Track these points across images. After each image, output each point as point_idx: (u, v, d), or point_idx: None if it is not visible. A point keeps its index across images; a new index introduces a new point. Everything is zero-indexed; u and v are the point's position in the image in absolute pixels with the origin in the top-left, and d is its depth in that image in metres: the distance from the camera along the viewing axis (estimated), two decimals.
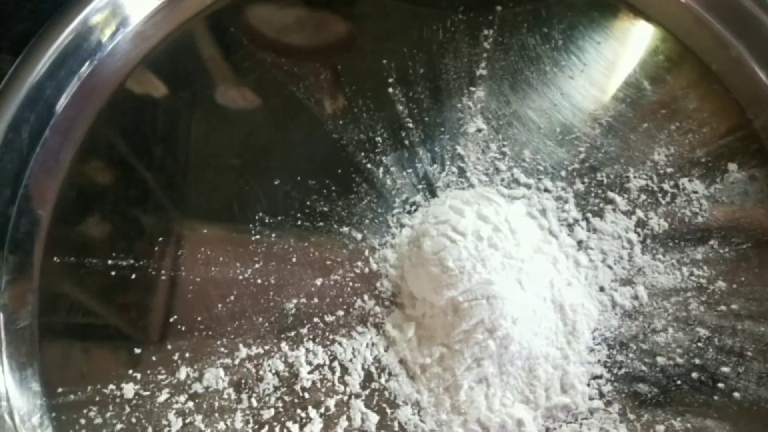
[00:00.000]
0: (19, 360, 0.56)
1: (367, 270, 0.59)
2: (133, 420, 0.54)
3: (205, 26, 0.67)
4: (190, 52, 0.66)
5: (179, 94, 0.64)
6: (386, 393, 0.55)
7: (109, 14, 0.63)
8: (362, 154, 0.62)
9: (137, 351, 0.56)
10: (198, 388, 0.55)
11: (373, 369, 0.56)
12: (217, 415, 0.54)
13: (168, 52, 0.66)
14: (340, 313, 0.57)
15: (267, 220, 0.60)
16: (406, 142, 0.63)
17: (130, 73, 0.64)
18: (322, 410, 0.54)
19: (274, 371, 0.55)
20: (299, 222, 0.60)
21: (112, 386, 0.55)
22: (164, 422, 0.54)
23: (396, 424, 0.54)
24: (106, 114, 0.63)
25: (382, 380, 0.55)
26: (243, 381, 0.55)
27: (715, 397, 0.55)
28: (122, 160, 0.62)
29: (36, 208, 0.60)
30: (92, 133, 0.62)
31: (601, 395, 0.55)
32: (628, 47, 0.67)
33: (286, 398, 0.55)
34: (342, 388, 0.55)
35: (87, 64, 0.63)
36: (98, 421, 0.54)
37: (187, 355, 0.56)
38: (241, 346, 0.56)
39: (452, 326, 0.54)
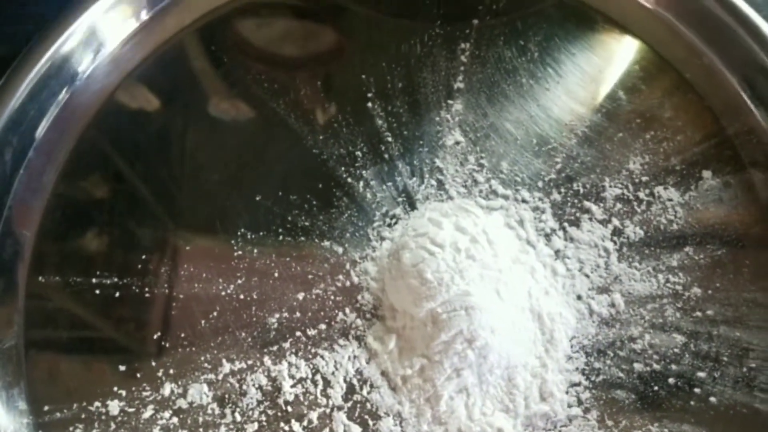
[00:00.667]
0: (6, 379, 0.56)
1: (348, 283, 0.60)
2: None
3: (190, 41, 0.68)
4: (168, 73, 0.67)
5: (158, 118, 0.65)
6: (368, 405, 0.56)
7: (84, 39, 0.64)
8: (342, 168, 0.63)
9: (122, 368, 0.57)
10: (182, 403, 0.55)
11: (355, 381, 0.56)
12: (201, 430, 0.55)
13: (146, 73, 0.67)
14: (322, 326, 0.58)
15: (249, 236, 0.61)
16: (386, 155, 0.64)
17: (111, 94, 0.65)
18: (305, 423, 0.55)
19: (257, 385, 0.56)
20: (281, 237, 0.61)
21: (97, 403, 0.56)
22: None
23: None
24: (88, 135, 0.64)
25: (364, 392, 0.56)
26: (226, 396, 0.56)
27: (692, 402, 0.56)
28: (104, 180, 0.63)
29: (20, 229, 0.60)
30: (75, 153, 0.63)
31: (580, 402, 0.56)
32: (603, 58, 0.68)
33: (270, 412, 0.55)
34: (324, 400, 0.56)
35: (67, 87, 0.64)
36: None
37: (171, 371, 0.56)
38: (224, 361, 0.57)
39: (431, 337, 0.54)
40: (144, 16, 0.67)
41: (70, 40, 0.63)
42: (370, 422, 0.55)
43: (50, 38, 0.62)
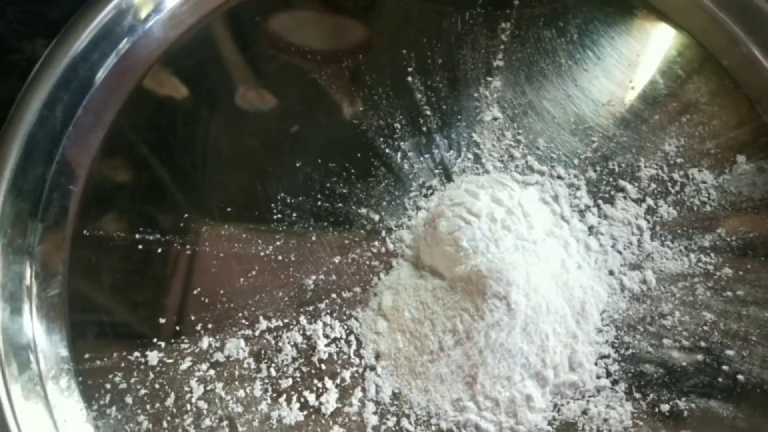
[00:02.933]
0: (49, 325, 0.58)
1: (383, 249, 0.61)
2: (157, 386, 0.56)
3: (225, 24, 0.69)
4: (218, 42, 0.68)
5: (206, 84, 0.66)
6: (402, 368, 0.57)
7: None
8: (381, 139, 0.64)
9: (162, 321, 0.58)
10: (219, 357, 0.57)
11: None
12: (237, 383, 0.56)
13: (198, 40, 0.68)
14: (357, 289, 0.59)
15: (288, 200, 0.62)
16: (424, 128, 0.65)
17: (161, 57, 0.66)
18: (338, 381, 0.56)
19: (292, 343, 0.57)
20: (319, 203, 0.62)
21: (137, 353, 0.57)
22: (186, 389, 0.56)
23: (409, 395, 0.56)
24: (136, 97, 0.66)
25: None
26: (262, 351, 0.57)
27: (720, 379, 0.56)
28: (150, 143, 0.64)
29: (67, 184, 0.62)
30: (123, 114, 0.65)
31: (608, 374, 0.57)
32: (641, 42, 0.68)
33: (304, 369, 0.57)
34: (357, 360, 0.57)
35: (120, 46, 0.65)
36: (123, 386, 0.57)
37: (209, 325, 0.58)
38: (261, 318, 0.58)
39: (465, 299, 0.55)
40: None
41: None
42: (404, 383, 0.56)
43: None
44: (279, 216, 0.62)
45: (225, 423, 0.56)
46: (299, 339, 0.58)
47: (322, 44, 0.68)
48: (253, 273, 0.60)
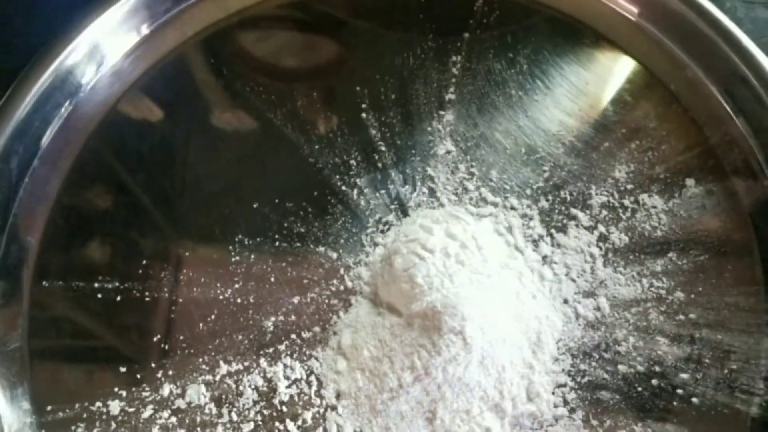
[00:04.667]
0: (10, 380, 0.58)
1: (342, 287, 0.62)
2: None
3: (190, 53, 0.70)
4: (168, 86, 0.69)
5: (159, 129, 0.67)
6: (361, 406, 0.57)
7: (88, 52, 0.66)
8: (337, 176, 0.65)
9: (123, 369, 0.58)
10: (181, 403, 0.57)
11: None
12: (199, 429, 0.57)
13: (148, 85, 0.69)
14: (317, 329, 0.60)
15: (246, 242, 0.63)
16: (379, 164, 0.66)
17: (114, 105, 0.67)
18: (300, 422, 0.57)
19: (253, 386, 0.58)
20: (277, 243, 0.63)
21: (99, 403, 0.57)
22: None
23: None
24: (91, 145, 0.66)
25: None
26: (224, 396, 0.58)
27: (675, 403, 0.57)
28: (107, 189, 0.65)
29: (25, 236, 0.62)
30: (78, 163, 0.65)
31: (566, 403, 0.58)
32: (590, 71, 0.70)
33: (265, 412, 0.57)
34: (318, 400, 0.58)
35: (71, 98, 0.66)
36: None
37: (170, 372, 0.58)
38: (221, 362, 0.59)
39: (420, 336, 0.56)
40: (145, 30, 0.70)
41: (73, 53, 0.65)
42: (365, 421, 0.57)
43: (54, 51, 0.64)
44: (237, 258, 0.62)
45: None
46: (260, 382, 0.58)
47: (274, 85, 0.69)
48: (213, 317, 0.60)
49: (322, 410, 0.57)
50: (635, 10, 0.70)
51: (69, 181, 0.65)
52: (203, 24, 0.71)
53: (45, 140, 0.65)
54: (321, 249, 0.63)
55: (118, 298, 0.61)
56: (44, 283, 0.61)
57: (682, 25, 0.69)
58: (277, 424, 0.57)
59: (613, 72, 0.70)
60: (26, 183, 0.63)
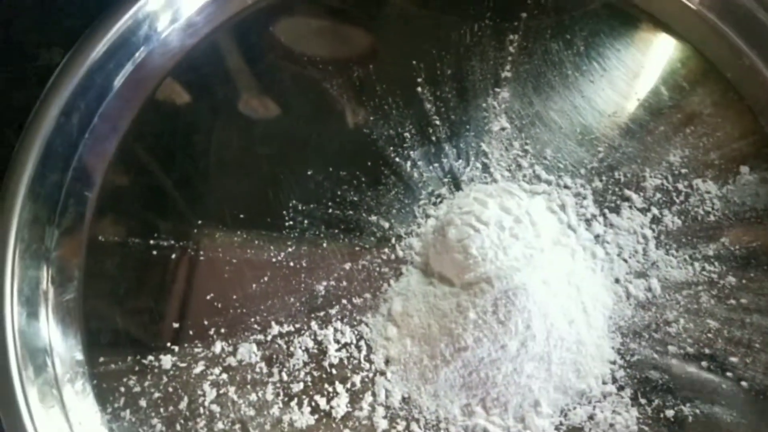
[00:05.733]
0: (65, 329, 0.59)
1: (393, 256, 0.62)
2: (170, 389, 0.57)
3: (238, 34, 0.70)
4: (234, 52, 0.69)
5: (222, 91, 0.67)
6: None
7: (162, 6, 0.67)
8: (391, 148, 0.65)
9: (175, 325, 0.59)
10: (232, 361, 0.58)
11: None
12: (249, 387, 0.57)
13: (213, 50, 0.69)
14: (367, 295, 0.60)
15: (300, 208, 0.63)
16: (433, 138, 0.66)
17: (176, 65, 0.67)
18: (349, 385, 0.57)
19: (303, 348, 0.58)
20: (330, 210, 0.63)
21: (150, 357, 0.58)
22: (199, 392, 0.57)
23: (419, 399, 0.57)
24: (151, 105, 0.67)
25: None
26: (274, 356, 0.58)
27: (724, 386, 0.57)
28: (165, 150, 0.66)
29: (84, 190, 0.63)
30: (138, 122, 0.66)
31: (614, 380, 0.58)
32: (646, 55, 0.70)
33: (315, 373, 0.58)
34: (367, 365, 0.58)
35: (136, 55, 0.66)
36: (137, 389, 0.58)
37: (222, 330, 0.59)
38: (273, 323, 0.59)
39: (479, 301, 0.56)
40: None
41: (143, 7, 0.66)
42: (414, 387, 0.57)
43: (123, 7, 0.65)
44: (291, 223, 0.63)
45: (237, 426, 0.57)
46: (310, 344, 0.59)
47: (333, 55, 0.69)
48: (265, 279, 0.61)
49: (371, 375, 0.58)
50: None
51: (128, 139, 0.65)
52: None
53: (107, 97, 0.65)
54: (373, 218, 0.63)
55: (173, 256, 0.61)
56: (100, 237, 0.62)
57: (741, 12, 0.69)
58: (326, 386, 0.57)
59: (669, 57, 0.70)
60: (86, 139, 0.64)
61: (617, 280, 0.61)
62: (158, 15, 0.67)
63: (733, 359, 0.58)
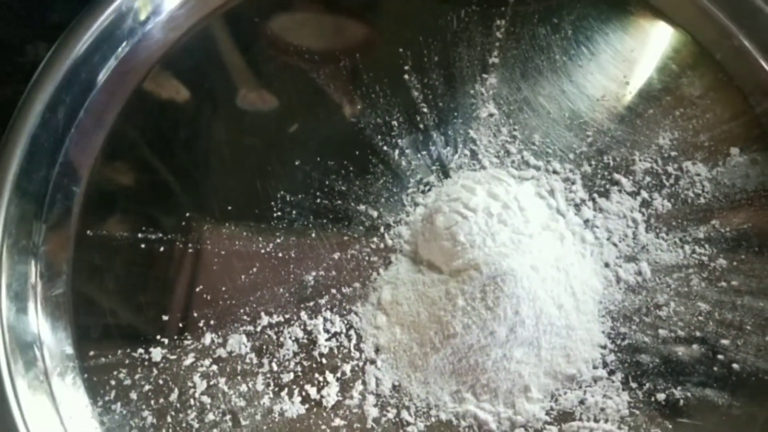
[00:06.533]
0: (54, 324, 0.59)
1: (382, 245, 0.62)
2: (160, 381, 0.57)
3: (224, 25, 0.70)
4: (218, 44, 0.69)
5: (207, 84, 0.67)
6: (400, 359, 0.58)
7: (143, 1, 0.66)
8: (379, 137, 0.65)
9: (165, 318, 0.59)
10: (222, 352, 0.58)
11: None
12: (239, 378, 0.57)
13: (198, 41, 0.68)
14: (357, 285, 0.60)
15: (288, 198, 0.63)
16: (421, 125, 0.66)
17: (161, 59, 0.67)
18: (339, 374, 0.57)
19: (293, 338, 0.58)
20: (318, 200, 0.63)
21: (140, 350, 0.58)
22: (189, 384, 0.57)
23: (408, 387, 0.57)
24: (136, 98, 0.66)
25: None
26: (264, 347, 0.58)
27: (715, 368, 0.57)
28: (151, 143, 0.65)
29: (70, 185, 0.63)
30: (123, 115, 0.66)
31: (605, 365, 0.58)
32: (635, 38, 0.69)
33: (305, 363, 0.58)
34: (357, 354, 0.58)
35: (119, 49, 0.66)
36: (127, 382, 0.58)
37: (211, 322, 0.59)
38: (262, 314, 0.59)
39: (467, 287, 0.56)
40: None
41: (125, 2, 0.65)
42: (404, 375, 0.57)
43: (105, 2, 0.64)
44: (279, 214, 0.62)
45: (228, 417, 0.56)
46: (300, 334, 0.59)
47: (319, 44, 0.69)
48: (254, 270, 0.61)
49: (361, 363, 0.58)
50: None
51: (114, 133, 0.65)
52: None
53: (92, 91, 0.65)
54: (362, 207, 0.63)
55: (162, 249, 0.61)
56: (88, 232, 0.62)
57: None
58: (316, 375, 0.57)
59: (658, 40, 0.69)
60: (72, 133, 0.64)
61: (607, 265, 0.61)
62: (141, 8, 0.66)
63: (725, 342, 0.58)
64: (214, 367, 0.58)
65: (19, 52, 0.67)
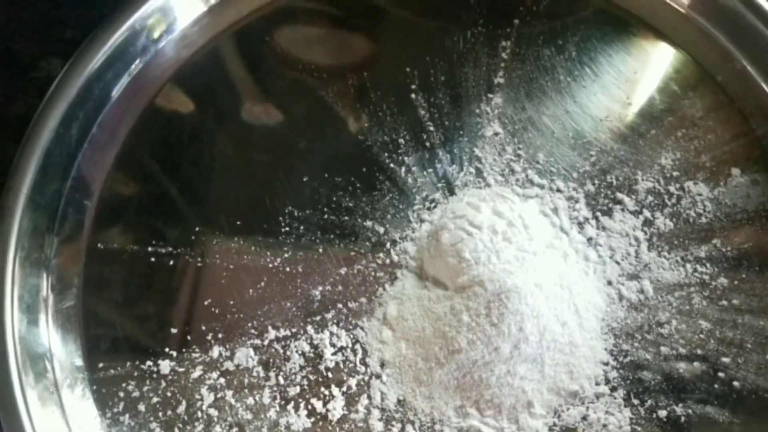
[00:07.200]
0: (64, 336, 0.60)
1: (388, 261, 0.63)
2: (168, 394, 0.58)
3: (234, 43, 0.71)
4: (229, 61, 0.70)
5: (218, 100, 0.68)
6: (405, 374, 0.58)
7: (157, 19, 0.68)
8: (386, 154, 0.66)
9: (173, 331, 0.60)
10: (229, 365, 0.59)
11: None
12: (246, 391, 0.58)
13: (209, 59, 0.70)
14: (363, 300, 0.61)
15: (296, 214, 0.64)
16: (427, 143, 0.67)
17: (173, 75, 0.68)
18: (345, 389, 0.58)
19: (300, 352, 0.59)
20: (325, 216, 0.64)
21: (149, 362, 0.59)
22: (197, 396, 0.58)
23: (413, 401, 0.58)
24: (149, 114, 0.68)
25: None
26: (271, 360, 0.59)
27: (716, 386, 0.58)
28: (162, 159, 0.66)
29: (83, 199, 0.64)
30: (136, 131, 0.67)
31: (607, 381, 0.58)
32: (638, 60, 0.70)
33: (311, 377, 0.59)
34: (363, 368, 0.59)
35: (133, 66, 0.67)
36: (136, 394, 0.58)
37: (219, 335, 0.60)
38: (270, 328, 0.60)
39: (472, 304, 0.57)
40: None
41: (140, 19, 0.67)
42: (409, 390, 0.58)
43: (120, 18, 0.66)
44: (287, 229, 0.63)
45: (235, 430, 0.57)
46: (307, 348, 0.59)
47: (328, 63, 0.70)
48: (262, 284, 0.61)
49: (366, 378, 0.59)
50: (685, 1, 0.71)
51: (126, 148, 0.66)
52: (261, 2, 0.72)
53: (105, 107, 0.66)
54: (368, 223, 0.64)
55: (171, 263, 0.62)
56: (99, 245, 0.63)
57: (731, 17, 0.69)
58: (322, 389, 0.58)
59: (660, 62, 0.70)
60: (85, 148, 0.65)
61: (610, 282, 0.61)
62: (155, 25, 0.68)
63: (725, 360, 0.59)
64: (222, 380, 0.58)
65: (33, 68, 0.68)
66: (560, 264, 0.61)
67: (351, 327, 0.60)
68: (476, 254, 0.59)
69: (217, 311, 0.61)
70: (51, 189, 0.63)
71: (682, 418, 0.57)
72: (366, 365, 0.59)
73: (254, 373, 0.59)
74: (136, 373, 0.59)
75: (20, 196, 0.61)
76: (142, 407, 0.58)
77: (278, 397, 0.58)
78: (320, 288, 0.61)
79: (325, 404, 0.58)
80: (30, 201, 0.61)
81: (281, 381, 0.58)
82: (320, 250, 0.63)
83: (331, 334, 0.60)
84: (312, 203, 0.65)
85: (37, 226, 0.61)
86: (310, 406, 0.58)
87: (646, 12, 0.72)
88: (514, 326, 0.56)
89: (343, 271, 0.62)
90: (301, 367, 0.59)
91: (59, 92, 0.64)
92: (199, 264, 0.62)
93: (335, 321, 0.60)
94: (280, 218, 0.64)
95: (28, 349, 0.58)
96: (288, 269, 0.62)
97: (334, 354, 0.59)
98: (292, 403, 0.58)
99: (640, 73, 0.70)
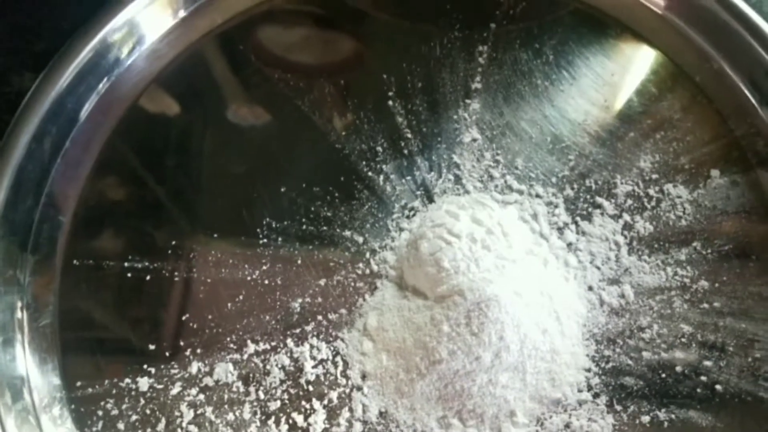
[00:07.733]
0: (41, 355, 0.59)
1: (368, 271, 0.62)
2: (148, 411, 0.58)
3: (215, 45, 0.71)
4: (201, 71, 0.69)
5: (191, 111, 0.68)
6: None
7: (126, 33, 0.67)
8: (364, 162, 0.66)
9: (151, 347, 0.59)
10: (208, 381, 0.58)
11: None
12: (226, 406, 0.57)
13: (180, 70, 0.69)
14: (343, 311, 0.61)
15: (273, 225, 0.63)
16: (405, 151, 0.66)
17: (145, 88, 0.68)
18: (326, 402, 0.58)
19: (280, 366, 0.59)
20: (304, 226, 0.63)
21: (128, 380, 0.58)
22: (177, 413, 0.57)
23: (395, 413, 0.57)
24: (122, 128, 0.67)
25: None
26: (251, 375, 0.58)
27: (698, 390, 0.58)
28: (137, 172, 0.66)
29: (57, 215, 0.63)
30: (109, 145, 0.66)
31: (590, 388, 0.58)
32: (616, 62, 0.70)
33: (292, 391, 0.58)
34: (344, 381, 0.58)
35: (105, 80, 0.67)
36: (114, 412, 0.58)
37: (198, 350, 0.59)
38: (249, 342, 0.59)
39: (452, 313, 0.57)
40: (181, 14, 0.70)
41: (110, 34, 0.66)
42: (390, 402, 0.57)
43: (91, 32, 0.65)
44: (265, 240, 0.63)
45: None
46: (287, 361, 0.59)
47: (302, 71, 0.69)
48: (241, 297, 0.61)
49: (347, 390, 0.58)
50: (662, 2, 0.71)
51: (100, 163, 0.66)
52: (233, 12, 0.71)
53: (78, 121, 0.65)
54: (347, 233, 0.63)
55: (148, 278, 0.62)
56: (75, 261, 0.62)
57: (708, 17, 0.69)
58: (303, 402, 0.58)
59: (638, 63, 0.70)
60: (58, 164, 0.64)
61: (590, 288, 0.61)
62: (126, 38, 0.67)
63: (708, 363, 0.59)
64: (201, 396, 0.58)
65: (5, 83, 0.67)
66: (540, 270, 0.61)
67: (331, 339, 0.60)
68: (455, 263, 0.58)
69: (195, 326, 0.60)
70: (25, 205, 0.62)
71: (665, 423, 0.57)
72: (347, 377, 0.59)
73: (234, 389, 0.58)
74: (114, 391, 0.58)
75: None
76: (121, 426, 0.57)
77: (259, 412, 0.57)
78: (299, 300, 0.61)
79: (306, 418, 0.57)
80: (3, 219, 0.60)
81: (261, 396, 0.58)
82: (299, 262, 0.62)
83: (311, 346, 0.59)
84: (290, 214, 0.64)
85: (10, 244, 0.61)
86: (291, 421, 0.57)
87: (622, 13, 0.72)
88: (495, 335, 0.56)
89: (322, 282, 0.62)
90: (282, 381, 0.58)
91: (31, 107, 0.63)
92: (176, 278, 0.62)
93: (315, 333, 0.60)
94: (258, 230, 0.63)
95: (4, 371, 0.58)
96: (266, 282, 0.61)
97: (314, 367, 0.59)
98: (273, 418, 0.57)
99: (618, 76, 0.69)
